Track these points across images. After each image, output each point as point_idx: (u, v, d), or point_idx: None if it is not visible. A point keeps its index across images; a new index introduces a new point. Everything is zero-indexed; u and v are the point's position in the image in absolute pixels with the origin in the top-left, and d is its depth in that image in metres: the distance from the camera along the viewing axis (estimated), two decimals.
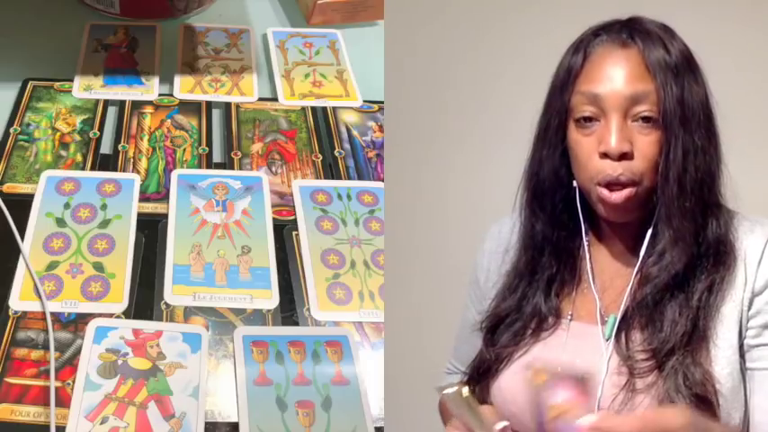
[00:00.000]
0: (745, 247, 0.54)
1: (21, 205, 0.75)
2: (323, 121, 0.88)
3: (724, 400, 0.52)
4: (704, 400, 0.51)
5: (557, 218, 0.59)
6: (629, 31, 0.56)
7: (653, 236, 0.55)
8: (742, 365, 0.53)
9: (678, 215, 0.54)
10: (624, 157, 0.54)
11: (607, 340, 0.55)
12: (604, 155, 0.54)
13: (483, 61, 0.92)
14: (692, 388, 0.51)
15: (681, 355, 0.52)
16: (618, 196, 0.54)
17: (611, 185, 0.54)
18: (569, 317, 0.58)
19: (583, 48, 0.57)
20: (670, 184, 0.53)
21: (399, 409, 0.67)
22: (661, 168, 0.54)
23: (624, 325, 0.55)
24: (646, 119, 0.54)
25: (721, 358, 0.52)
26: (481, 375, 0.60)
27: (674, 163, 0.53)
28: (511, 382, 0.58)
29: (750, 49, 0.81)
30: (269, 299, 0.69)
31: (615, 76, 0.54)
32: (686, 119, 0.53)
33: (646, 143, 0.54)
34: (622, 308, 0.56)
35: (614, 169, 0.54)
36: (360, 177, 0.81)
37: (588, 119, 0.55)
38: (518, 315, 0.60)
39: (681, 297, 0.54)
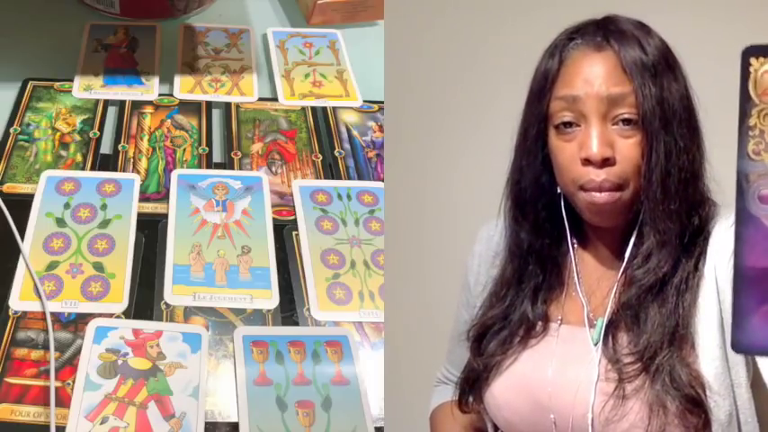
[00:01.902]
0: (714, 233, 0.54)
1: (21, 205, 0.75)
2: (323, 121, 0.88)
3: (711, 391, 0.51)
4: (693, 400, 0.51)
5: (540, 226, 0.59)
6: (604, 32, 0.55)
7: (638, 238, 0.55)
8: (725, 349, 0.52)
9: (663, 218, 0.53)
10: (606, 162, 0.53)
11: (595, 344, 0.55)
12: (586, 161, 0.53)
13: (483, 61, 0.92)
14: (681, 389, 0.51)
15: (665, 356, 0.52)
16: (601, 197, 0.53)
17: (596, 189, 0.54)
18: (559, 321, 0.58)
19: (558, 52, 0.56)
20: (654, 187, 0.53)
21: (399, 409, 0.67)
22: (644, 171, 0.53)
23: (611, 328, 0.55)
24: (626, 121, 0.53)
25: (706, 353, 0.52)
26: (472, 387, 0.60)
27: (656, 165, 0.53)
28: (504, 390, 0.58)
29: (731, 41, 0.80)
30: (269, 299, 0.69)
31: (592, 79, 0.54)
32: (666, 119, 0.53)
33: (627, 146, 0.53)
34: (608, 311, 0.55)
35: (597, 175, 0.53)
36: (360, 177, 0.81)
37: (568, 124, 0.54)
38: (504, 323, 0.59)
39: (662, 296, 0.54)
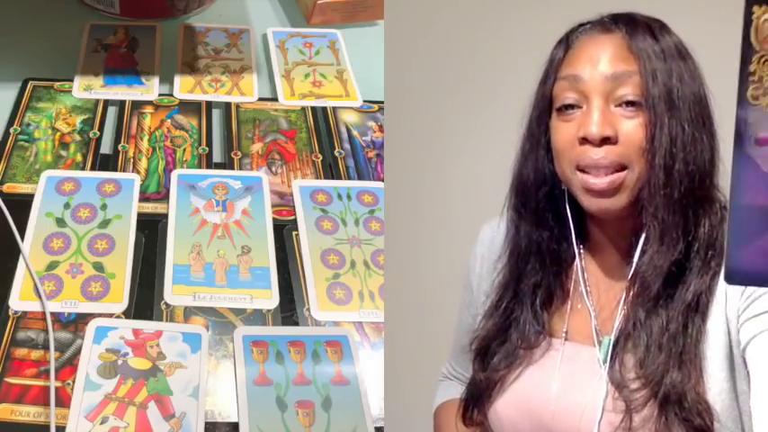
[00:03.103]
0: None
1: (21, 205, 0.75)
2: (323, 121, 0.88)
3: (720, 424, 0.50)
4: (702, 430, 0.49)
5: (540, 216, 0.56)
6: (614, 18, 0.54)
7: (645, 243, 0.52)
8: (733, 381, 0.50)
9: (664, 206, 0.50)
10: (606, 141, 0.51)
11: (603, 364, 0.53)
12: (584, 140, 0.51)
13: (483, 60, 0.92)
14: (691, 420, 0.49)
15: (673, 381, 0.50)
16: (602, 181, 0.51)
17: (593, 170, 0.51)
18: (564, 335, 0.56)
19: (565, 39, 0.55)
20: (656, 171, 0.50)
21: (399, 409, 0.67)
22: (646, 154, 0.50)
23: (617, 347, 0.53)
24: (630, 103, 0.51)
25: (713, 384, 0.50)
26: (476, 400, 0.58)
27: (659, 148, 0.50)
28: (506, 406, 0.56)
29: None
30: (269, 299, 0.69)
31: (596, 58, 0.52)
32: (672, 102, 0.50)
33: (630, 127, 0.51)
34: (615, 329, 0.53)
35: (596, 153, 0.51)
36: (360, 177, 0.81)
37: (570, 106, 0.52)
38: (506, 335, 0.57)
39: (670, 310, 0.51)
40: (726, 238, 0.37)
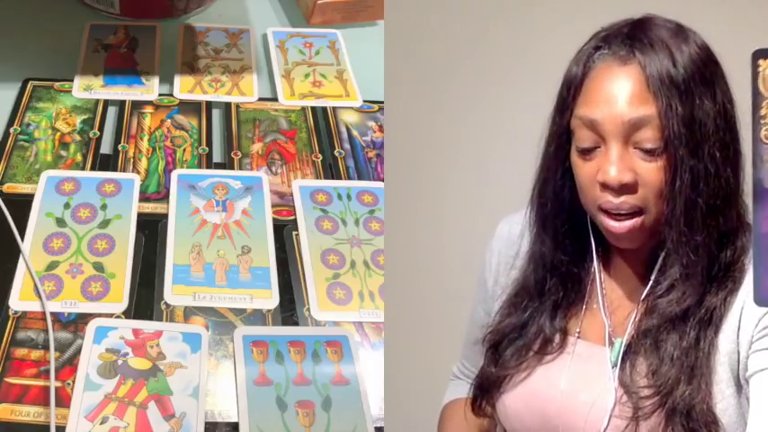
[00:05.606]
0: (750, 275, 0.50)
1: (21, 205, 0.75)
2: (323, 121, 0.88)
3: None
4: None
5: (560, 242, 0.56)
6: (631, 43, 0.51)
7: (663, 262, 0.52)
8: (739, 397, 0.50)
9: (688, 250, 0.50)
10: (625, 188, 0.50)
11: (613, 367, 0.53)
12: (604, 185, 0.51)
13: (483, 61, 0.92)
14: (698, 431, 0.49)
15: (682, 393, 0.50)
16: (621, 226, 0.51)
17: (615, 214, 0.51)
18: (576, 334, 0.56)
19: (582, 62, 0.53)
20: (677, 216, 0.49)
21: (399, 409, 0.67)
22: (666, 199, 0.49)
23: (630, 351, 0.53)
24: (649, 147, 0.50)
25: (719, 394, 0.50)
26: (484, 392, 0.59)
27: (680, 194, 0.49)
28: (515, 401, 0.57)
29: None
30: (269, 299, 0.69)
31: (613, 98, 0.50)
32: (696, 142, 0.49)
33: (650, 171, 0.50)
34: (626, 335, 0.53)
35: (615, 199, 0.51)
36: (360, 177, 0.81)
37: (589, 148, 0.52)
38: (522, 332, 0.57)
39: (683, 327, 0.51)
40: (753, 264, 0.41)
